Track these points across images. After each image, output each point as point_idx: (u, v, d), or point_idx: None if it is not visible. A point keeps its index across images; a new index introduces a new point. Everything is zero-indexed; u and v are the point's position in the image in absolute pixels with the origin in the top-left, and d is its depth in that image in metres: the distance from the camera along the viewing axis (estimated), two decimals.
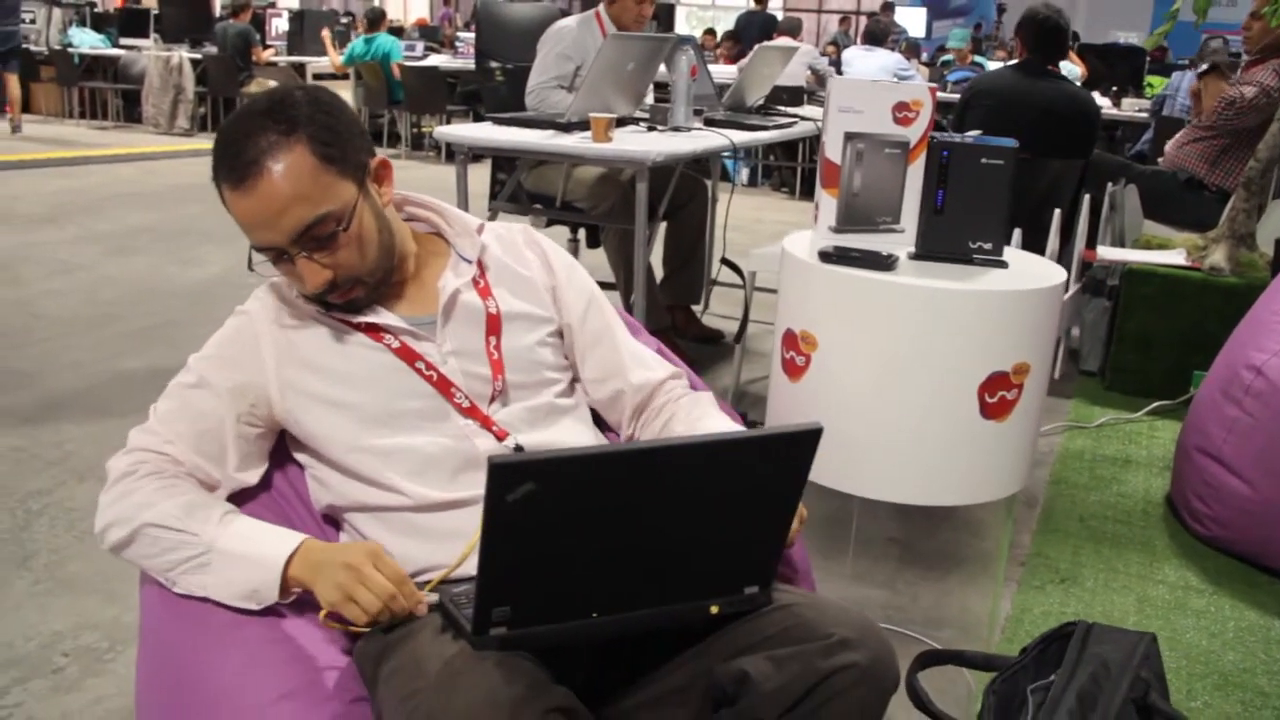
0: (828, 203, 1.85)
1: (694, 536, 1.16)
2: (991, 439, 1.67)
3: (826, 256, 1.68)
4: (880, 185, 1.85)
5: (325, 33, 10.23)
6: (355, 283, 1.37)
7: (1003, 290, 1.63)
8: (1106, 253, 4.00)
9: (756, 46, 3.94)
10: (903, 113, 1.81)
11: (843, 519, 2.63)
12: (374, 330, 1.39)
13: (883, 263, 1.66)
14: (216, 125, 10.27)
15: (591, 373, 1.55)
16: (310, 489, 1.47)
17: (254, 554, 1.28)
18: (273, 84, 9.95)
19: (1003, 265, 1.76)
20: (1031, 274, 1.75)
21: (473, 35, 10.93)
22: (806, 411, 1.72)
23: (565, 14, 4.00)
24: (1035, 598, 2.44)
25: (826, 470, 1.73)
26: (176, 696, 1.29)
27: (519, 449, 1.40)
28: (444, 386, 1.39)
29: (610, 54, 2.94)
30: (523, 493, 1.03)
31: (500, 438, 1.40)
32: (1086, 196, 4.05)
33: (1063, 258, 3.97)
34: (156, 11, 11.21)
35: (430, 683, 1.12)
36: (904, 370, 1.63)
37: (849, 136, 1.81)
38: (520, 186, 3.48)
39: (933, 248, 1.76)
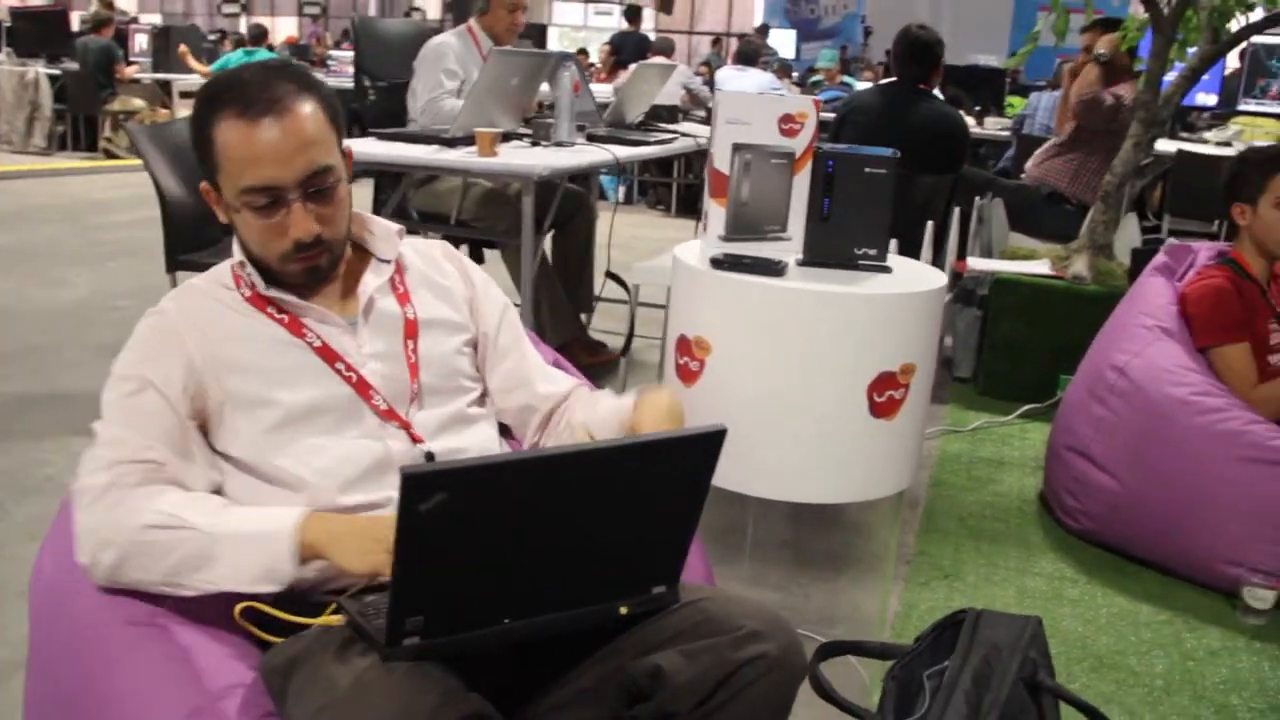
0: (717, 212, 1.89)
1: (602, 539, 1.18)
2: (881, 437, 1.73)
3: (718, 263, 1.72)
4: (767, 194, 1.90)
5: (183, 47, 9.95)
6: (326, 247, 1.38)
7: (888, 294, 1.70)
8: (976, 263, 4.16)
9: (635, 65, 4.00)
10: (788, 124, 1.87)
11: (739, 524, 2.67)
12: (297, 326, 1.39)
13: (773, 268, 1.70)
14: (76, 144, 9.93)
15: (500, 383, 1.56)
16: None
17: (261, 530, 1.25)
18: (137, 101, 9.67)
19: (886, 270, 1.83)
20: (914, 278, 1.82)
21: (345, 53, 10.81)
22: (702, 416, 1.75)
23: (437, 31, 3.99)
24: (921, 594, 2.52)
25: (723, 472, 1.74)
26: None
27: (429, 456, 1.41)
28: (363, 388, 1.39)
29: (494, 70, 2.95)
30: (435, 502, 1.04)
31: (415, 441, 1.40)
32: (956, 210, 4.20)
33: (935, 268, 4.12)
34: (9, 25, 10.76)
35: (342, 696, 1.11)
36: (795, 372, 1.67)
37: (737, 148, 1.85)
38: (405, 204, 3.45)
39: (820, 254, 1.81)
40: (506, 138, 3.12)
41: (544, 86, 3.58)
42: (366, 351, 1.42)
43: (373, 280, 1.46)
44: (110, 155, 9.49)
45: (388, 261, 1.49)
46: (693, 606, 1.25)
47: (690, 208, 8.12)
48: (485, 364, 1.57)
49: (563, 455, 1.13)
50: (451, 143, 2.95)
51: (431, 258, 1.58)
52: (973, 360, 4.20)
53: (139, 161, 3.27)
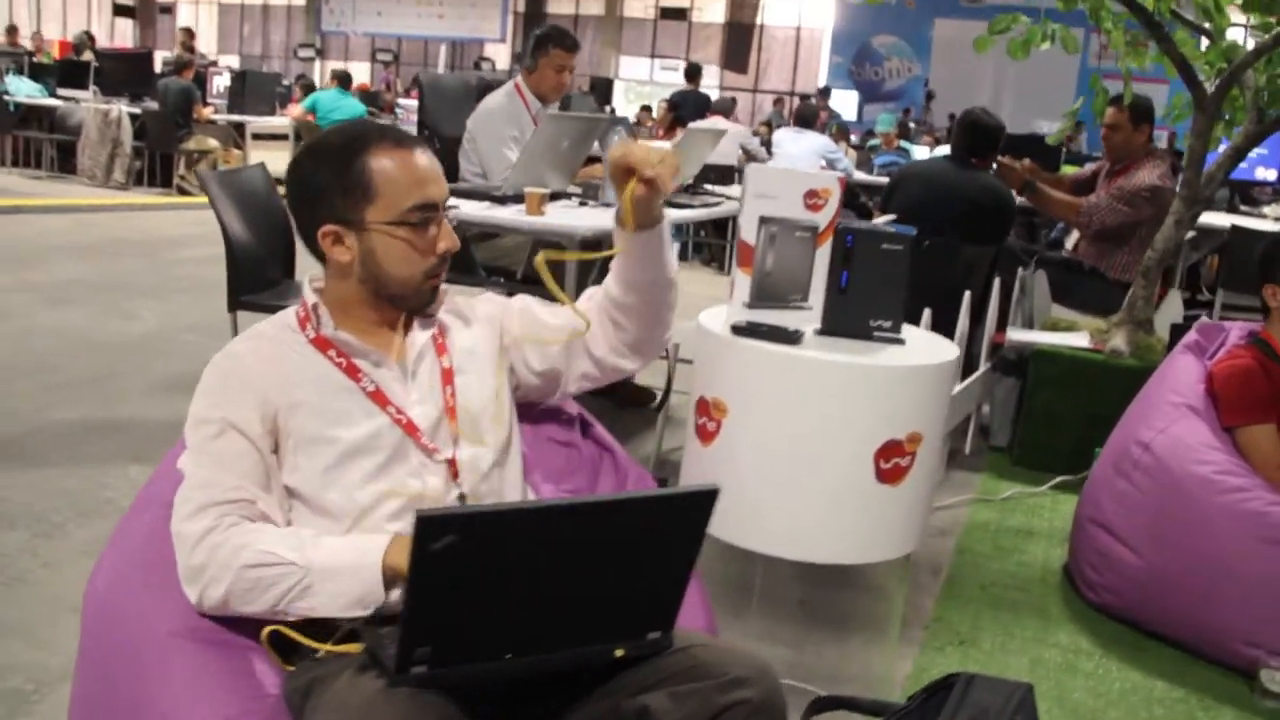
0: (742, 280, 1.99)
1: (601, 585, 1.28)
2: (886, 502, 1.80)
3: (738, 330, 1.82)
4: (791, 265, 1.99)
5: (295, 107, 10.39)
6: (448, 266, 1.58)
7: (896, 365, 1.78)
8: (1015, 334, 4.21)
9: (688, 127, 4.12)
10: (813, 200, 1.96)
11: (751, 580, 2.74)
12: (354, 371, 1.53)
13: (789, 337, 1.80)
14: (153, 180, 10.30)
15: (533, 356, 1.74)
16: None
17: (350, 563, 1.38)
18: (212, 141, 10.02)
19: (900, 342, 1.91)
20: (926, 350, 1.90)
21: (413, 101, 11.11)
22: (717, 473, 1.85)
23: (489, 86, 4.16)
24: (934, 658, 2.57)
25: (734, 528, 1.85)
26: None
27: (462, 498, 1.54)
28: (411, 429, 1.53)
29: (547, 132, 3.10)
30: (445, 543, 1.14)
31: (454, 478, 1.53)
32: (997, 281, 4.27)
33: (974, 338, 4.18)
34: (96, 65, 11.22)
35: (351, 716, 1.21)
36: (805, 436, 1.76)
37: (763, 220, 1.95)
38: (472, 258, 3.60)
39: (837, 325, 1.90)
40: (556, 197, 3.25)
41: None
42: (414, 397, 1.56)
43: (421, 334, 1.61)
44: (183, 192, 9.84)
45: (432, 316, 1.64)
46: (685, 652, 1.34)
47: None
48: (522, 356, 1.74)
49: (566, 507, 1.24)
50: (503, 200, 3.09)
51: (470, 307, 1.73)
52: (1010, 429, 4.24)
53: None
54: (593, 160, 3.86)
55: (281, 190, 3.68)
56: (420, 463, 1.53)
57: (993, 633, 2.74)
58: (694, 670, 1.31)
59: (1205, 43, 3.98)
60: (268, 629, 1.39)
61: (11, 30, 15.44)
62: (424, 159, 1.53)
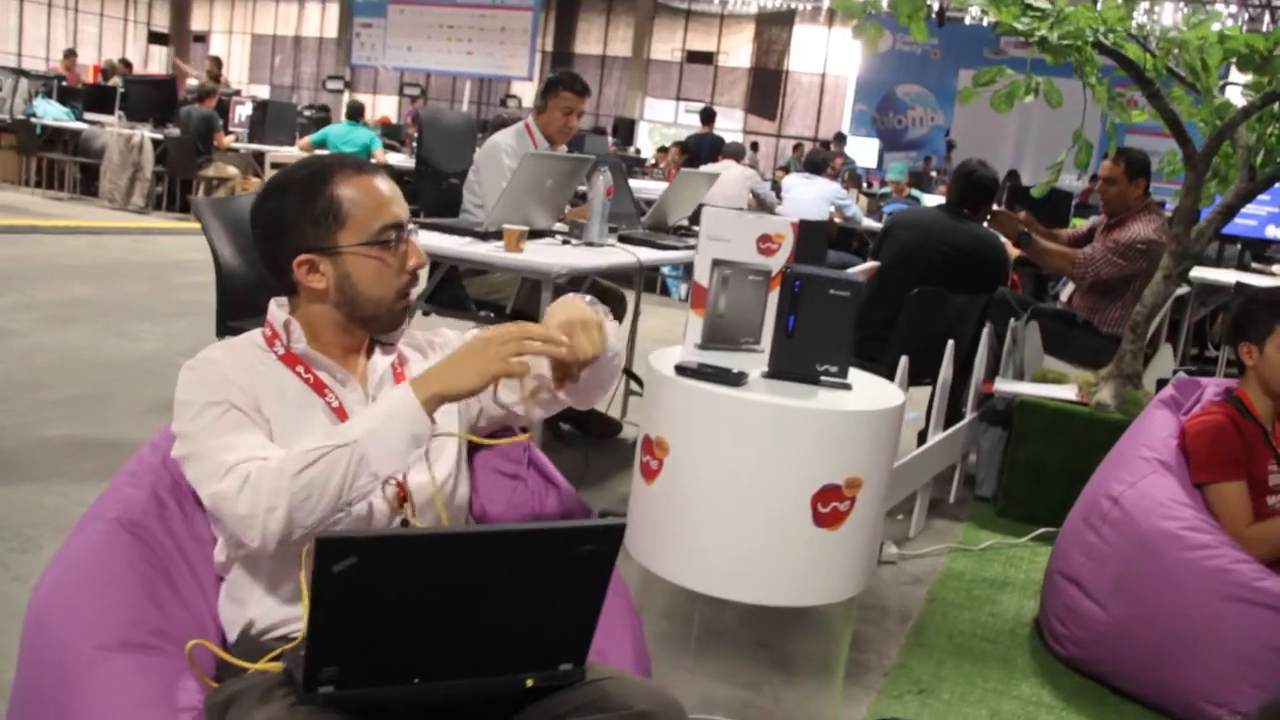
0: (695, 322, 2.01)
1: (509, 614, 1.29)
2: (824, 546, 1.81)
3: (681, 370, 1.84)
4: (743, 308, 2.01)
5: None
6: (416, 284, 1.65)
7: (834, 410, 1.80)
8: (1002, 385, 4.22)
9: (680, 170, 4.17)
10: (766, 244, 1.99)
11: (705, 619, 2.74)
12: (320, 387, 1.59)
13: (731, 379, 1.82)
14: (172, 205, 10.44)
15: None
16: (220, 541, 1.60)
17: (389, 412, 1.44)
18: (231, 169, 10.16)
19: (846, 387, 1.92)
20: (871, 396, 1.91)
21: None
22: (659, 511, 1.86)
23: (500, 123, 4.24)
24: (891, 706, 2.56)
25: (675, 567, 1.87)
26: None
27: (404, 523, 1.57)
28: None
29: (527, 172, 3.14)
30: (345, 565, 1.16)
31: (401, 504, 1.57)
32: (988, 330, 4.28)
33: (961, 388, 4.18)
34: (123, 90, 11.41)
35: None
36: (743, 477, 1.78)
37: (716, 263, 1.98)
38: (463, 291, 3.65)
39: (783, 368, 1.92)
40: (540, 234, 3.30)
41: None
42: None
43: (382, 359, 1.68)
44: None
45: (393, 344, 1.70)
46: (594, 685, 1.35)
47: None
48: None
49: (468, 535, 1.26)
50: (485, 236, 3.14)
51: (429, 341, 1.78)
52: (995, 480, 4.23)
53: None
54: (581, 199, 3.92)
55: None
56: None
57: (954, 682, 2.73)
58: (600, 702, 1.33)
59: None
60: (192, 643, 1.42)
61: (69, 54, 15.67)
62: (384, 184, 1.61)
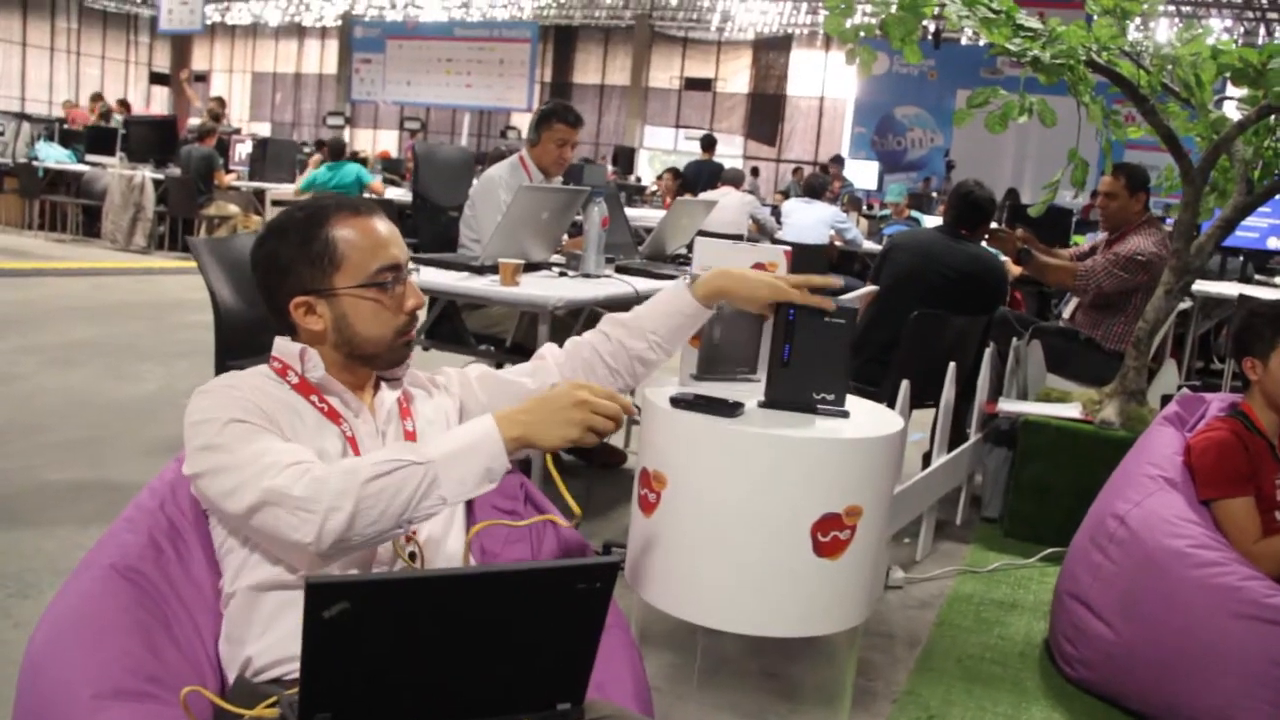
0: (690, 352, 2.01)
1: (505, 654, 1.28)
2: (826, 575, 1.80)
3: (676, 402, 1.83)
4: (738, 338, 2.01)
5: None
6: (415, 324, 1.64)
7: (831, 438, 1.79)
8: (1006, 405, 4.20)
9: (676, 199, 4.18)
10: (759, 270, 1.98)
11: (715, 650, 2.72)
12: (335, 416, 1.58)
13: (727, 409, 1.81)
14: (174, 245, 10.48)
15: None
16: (229, 566, 1.58)
17: (469, 442, 1.44)
18: (232, 207, 10.20)
19: (844, 415, 1.91)
20: (869, 423, 1.90)
21: None
22: (658, 545, 1.85)
23: (498, 156, 4.25)
24: None
25: (676, 600, 1.85)
26: None
27: (413, 557, 1.57)
28: None
29: (521, 205, 3.14)
30: (337, 610, 1.15)
31: (407, 540, 1.57)
32: (988, 350, 4.27)
33: (964, 408, 4.16)
34: (123, 131, 11.48)
35: None
36: (742, 508, 1.76)
37: None
38: (463, 325, 3.65)
39: (780, 397, 1.91)
40: (536, 267, 3.30)
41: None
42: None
43: (389, 394, 1.68)
44: None
45: (399, 380, 1.71)
46: None
47: None
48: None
49: (460, 576, 1.25)
50: (481, 270, 3.13)
51: (431, 380, 1.78)
52: (1001, 501, 4.21)
53: None
54: (578, 230, 3.92)
55: None
56: None
57: (964, 707, 2.70)
58: None
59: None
60: (186, 690, 1.40)
61: (96, 98, 15.72)
62: (382, 224, 1.61)
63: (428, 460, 1.41)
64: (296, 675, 1.41)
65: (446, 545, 1.64)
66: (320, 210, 1.59)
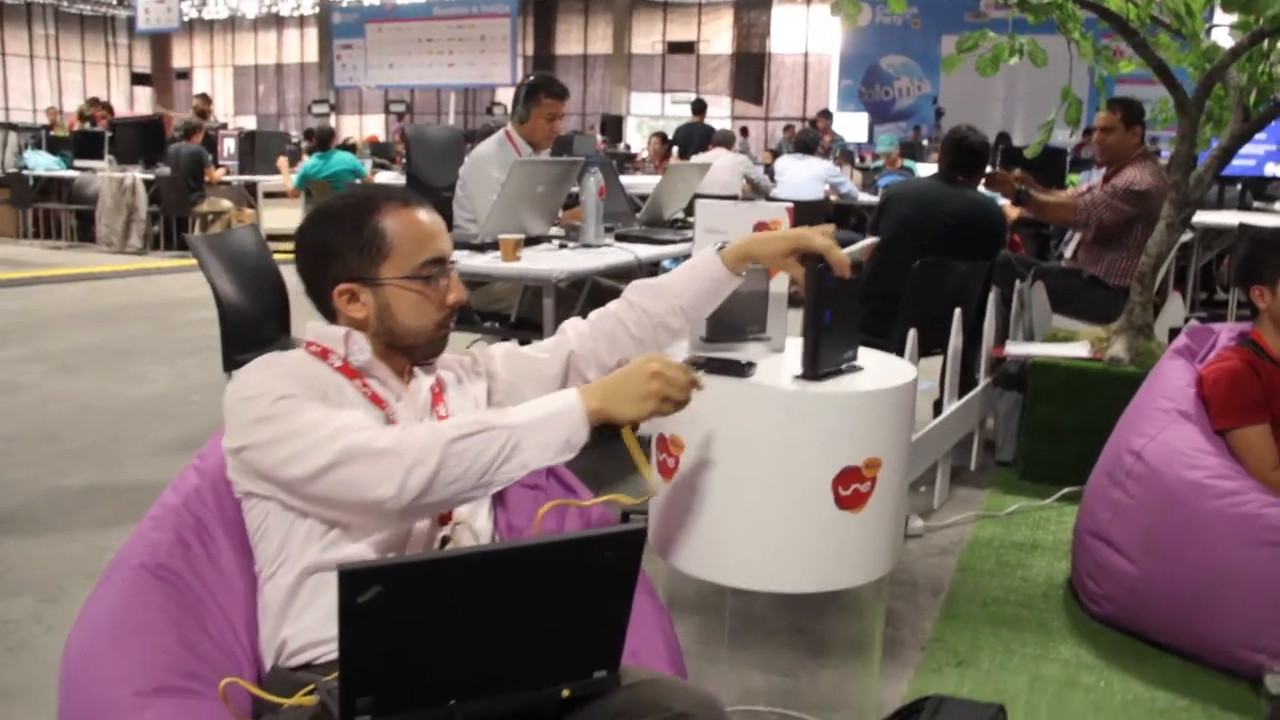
0: None
1: (539, 627, 1.29)
2: (849, 529, 1.80)
3: (689, 364, 1.83)
4: (746, 298, 2.01)
5: (282, 160, 10.45)
6: (455, 316, 1.66)
7: (847, 392, 1.79)
8: (1013, 348, 4.19)
9: (670, 163, 4.16)
10: (762, 230, 1.98)
11: (742, 610, 2.73)
12: (378, 400, 1.60)
13: (739, 369, 1.81)
14: (170, 244, 10.46)
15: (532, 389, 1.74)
16: (263, 552, 1.59)
17: (554, 411, 1.46)
18: (225, 202, 10.17)
19: (858, 368, 1.91)
20: (883, 375, 1.90)
21: None
22: (679, 508, 1.85)
23: (485, 133, 4.23)
24: (931, 681, 2.55)
25: (699, 562, 1.86)
26: None
27: (445, 541, 1.58)
28: None
29: (518, 179, 3.13)
30: (371, 595, 1.16)
31: (443, 521, 1.60)
32: (992, 294, 4.26)
33: (972, 355, 4.17)
34: (110, 134, 11.44)
35: None
36: (760, 468, 1.77)
37: None
38: (466, 303, 3.64)
39: (828, 365, 1.83)
40: (536, 240, 3.29)
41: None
42: None
43: (424, 379, 1.68)
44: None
45: (431, 364, 1.71)
46: (630, 690, 1.35)
47: None
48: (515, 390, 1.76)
49: (489, 553, 1.25)
50: (481, 248, 3.13)
51: (460, 364, 1.79)
52: (1014, 444, 4.22)
53: None
54: (575, 201, 3.91)
55: (274, 248, 3.76)
56: None
57: (992, 651, 2.71)
58: (638, 707, 1.32)
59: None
60: (225, 681, 1.41)
61: (52, 111, 15.56)
62: (429, 216, 1.62)
63: (512, 425, 1.43)
64: (328, 659, 1.43)
65: (475, 524, 1.65)
66: (369, 199, 1.61)
